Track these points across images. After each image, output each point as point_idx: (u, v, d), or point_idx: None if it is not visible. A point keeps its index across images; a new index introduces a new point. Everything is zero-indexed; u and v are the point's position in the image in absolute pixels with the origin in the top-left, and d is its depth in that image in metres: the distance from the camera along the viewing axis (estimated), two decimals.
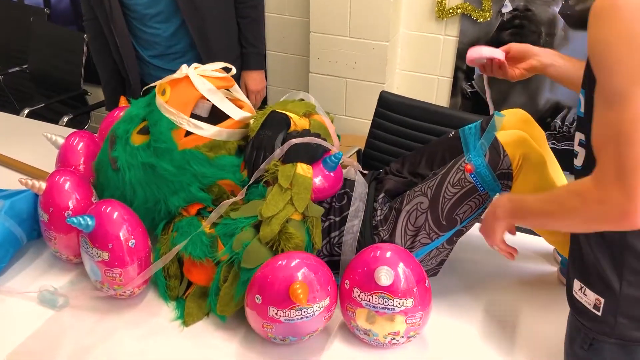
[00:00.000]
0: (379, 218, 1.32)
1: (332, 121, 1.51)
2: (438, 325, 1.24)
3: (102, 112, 3.03)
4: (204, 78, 1.34)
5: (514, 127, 1.28)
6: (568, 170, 1.17)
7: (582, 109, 0.95)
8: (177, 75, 1.35)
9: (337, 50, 2.53)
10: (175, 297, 1.30)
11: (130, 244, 1.22)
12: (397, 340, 1.14)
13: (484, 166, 1.21)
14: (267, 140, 1.32)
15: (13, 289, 1.32)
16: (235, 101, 1.44)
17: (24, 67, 3.05)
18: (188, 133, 1.32)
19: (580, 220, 0.93)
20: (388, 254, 1.13)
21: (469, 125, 1.32)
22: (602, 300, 0.98)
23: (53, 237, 1.35)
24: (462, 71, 2.56)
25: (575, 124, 1.01)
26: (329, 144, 1.36)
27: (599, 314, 0.98)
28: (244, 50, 2.07)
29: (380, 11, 2.39)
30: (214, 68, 1.40)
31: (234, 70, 1.45)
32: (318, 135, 1.36)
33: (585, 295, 1.01)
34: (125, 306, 1.29)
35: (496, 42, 2.45)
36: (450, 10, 2.43)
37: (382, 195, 1.36)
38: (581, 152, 0.97)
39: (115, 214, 1.22)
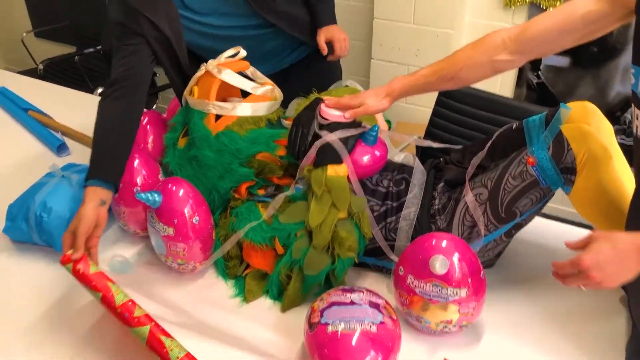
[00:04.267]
0: (437, 207, 1.32)
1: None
2: (491, 316, 1.24)
3: (169, 93, 3.12)
4: (220, 66, 1.43)
5: (580, 120, 1.25)
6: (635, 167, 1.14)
7: None
8: (199, 73, 1.45)
9: (400, 37, 2.52)
10: (235, 275, 1.35)
11: (194, 221, 1.27)
12: (449, 329, 1.15)
13: (546, 159, 1.19)
14: (306, 118, 1.38)
15: None
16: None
17: (98, 48, 3.18)
18: (218, 118, 1.40)
19: None
20: (444, 243, 1.13)
21: (534, 117, 1.30)
22: None
23: (122, 212, 1.42)
24: (529, 61, 2.49)
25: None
26: (361, 127, 1.38)
27: None
28: (314, 7, 1.84)
29: None
30: (227, 55, 1.47)
31: (242, 53, 1.48)
32: (353, 121, 1.38)
33: None
34: (186, 280, 1.35)
35: None
36: None
37: (441, 184, 1.36)
38: None
39: (181, 192, 1.28)
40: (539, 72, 2.51)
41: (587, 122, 1.24)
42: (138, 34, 1.40)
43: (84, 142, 1.91)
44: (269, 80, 1.53)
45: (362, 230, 1.29)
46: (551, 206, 2.29)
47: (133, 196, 1.35)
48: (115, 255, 1.37)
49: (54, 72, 3.32)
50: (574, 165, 1.19)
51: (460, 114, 2.01)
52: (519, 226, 1.27)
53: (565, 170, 1.19)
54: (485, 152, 1.36)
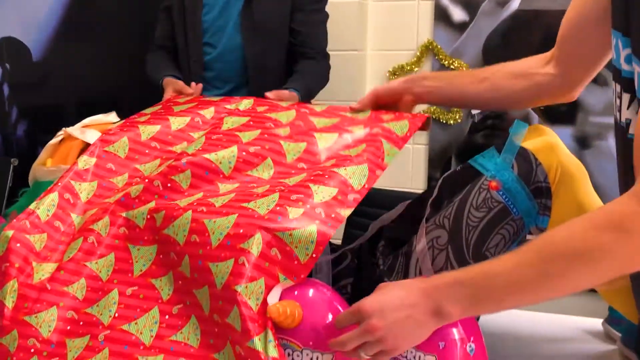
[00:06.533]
0: (382, 268, 0.98)
1: None
2: None
3: None
4: (86, 127, 1.25)
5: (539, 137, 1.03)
6: None
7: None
8: (54, 140, 1.26)
9: None
10: None
11: None
12: None
13: (513, 180, 0.93)
14: None
15: None
16: None
17: None
18: None
19: (618, 264, 0.70)
20: None
21: (481, 153, 1.06)
22: None
23: None
24: (436, 181, 2.36)
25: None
26: None
27: None
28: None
29: None
30: (95, 117, 1.31)
31: (113, 117, 1.32)
32: None
33: None
34: None
35: (469, 146, 2.31)
36: None
37: (381, 243, 1.04)
38: None
39: None
40: None
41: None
42: None
43: None
44: None
45: None
46: None
47: None
48: None
49: None
50: (547, 184, 0.94)
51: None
52: None
53: (537, 192, 0.93)
54: (430, 205, 1.07)
